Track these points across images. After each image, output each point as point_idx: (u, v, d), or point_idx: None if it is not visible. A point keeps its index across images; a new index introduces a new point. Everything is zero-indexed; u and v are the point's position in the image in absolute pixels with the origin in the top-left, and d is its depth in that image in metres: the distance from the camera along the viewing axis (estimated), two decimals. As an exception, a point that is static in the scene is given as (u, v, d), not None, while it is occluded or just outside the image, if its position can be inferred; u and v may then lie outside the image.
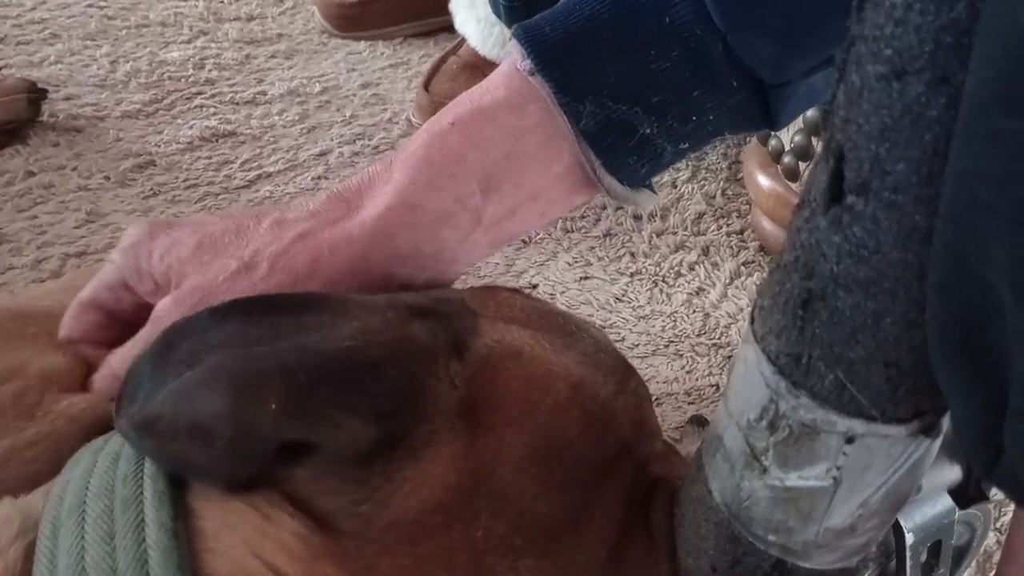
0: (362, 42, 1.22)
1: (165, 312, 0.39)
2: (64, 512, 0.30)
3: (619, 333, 0.77)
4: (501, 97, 0.41)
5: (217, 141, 0.97)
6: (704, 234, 0.90)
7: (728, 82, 0.39)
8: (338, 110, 1.05)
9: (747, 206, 0.94)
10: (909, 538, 0.33)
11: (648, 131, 0.40)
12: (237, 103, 1.04)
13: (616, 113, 0.40)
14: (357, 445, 0.30)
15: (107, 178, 0.88)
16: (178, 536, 0.28)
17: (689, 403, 0.71)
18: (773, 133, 0.82)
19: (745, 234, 0.91)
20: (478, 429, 0.32)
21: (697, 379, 0.73)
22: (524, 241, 0.86)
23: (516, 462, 0.32)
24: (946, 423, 0.28)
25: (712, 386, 0.73)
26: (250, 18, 1.24)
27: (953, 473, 0.33)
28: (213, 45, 1.15)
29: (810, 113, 0.75)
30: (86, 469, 0.31)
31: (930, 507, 0.33)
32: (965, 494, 0.34)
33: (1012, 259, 0.19)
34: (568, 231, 0.88)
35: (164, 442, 0.29)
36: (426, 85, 1.03)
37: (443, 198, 0.40)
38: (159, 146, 0.94)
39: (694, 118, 0.41)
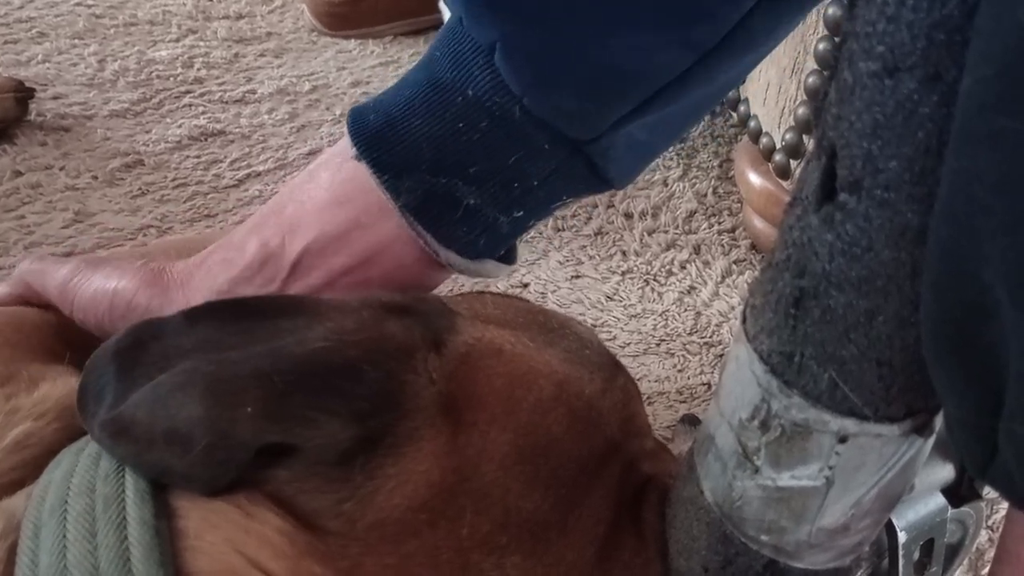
0: (352, 40, 1.21)
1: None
2: (46, 512, 0.29)
3: (610, 332, 0.77)
4: (324, 177, 0.43)
5: (206, 140, 0.96)
6: (695, 232, 0.90)
7: (540, 145, 0.41)
8: (328, 108, 1.05)
9: (738, 204, 0.93)
10: (902, 537, 0.33)
11: (472, 201, 0.42)
12: (226, 102, 1.03)
13: (436, 187, 0.41)
14: (337, 445, 0.29)
15: (95, 177, 0.87)
16: (160, 534, 0.28)
17: (681, 402, 0.71)
18: (765, 131, 0.82)
19: (736, 232, 0.91)
20: (460, 426, 0.32)
21: (689, 378, 0.73)
22: (515, 240, 0.86)
23: (500, 460, 0.32)
24: (939, 422, 0.28)
25: (704, 385, 0.73)
26: (239, 16, 1.23)
27: (946, 472, 0.33)
28: (202, 44, 1.14)
29: (801, 111, 0.75)
30: (68, 468, 0.31)
31: (923, 505, 0.33)
32: (958, 492, 0.34)
33: (1009, 259, 0.19)
34: (559, 229, 0.88)
35: (140, 449, 0.29)
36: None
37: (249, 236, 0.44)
38: (147, 145, 0.93)
39: (516, 184, 0.42)
